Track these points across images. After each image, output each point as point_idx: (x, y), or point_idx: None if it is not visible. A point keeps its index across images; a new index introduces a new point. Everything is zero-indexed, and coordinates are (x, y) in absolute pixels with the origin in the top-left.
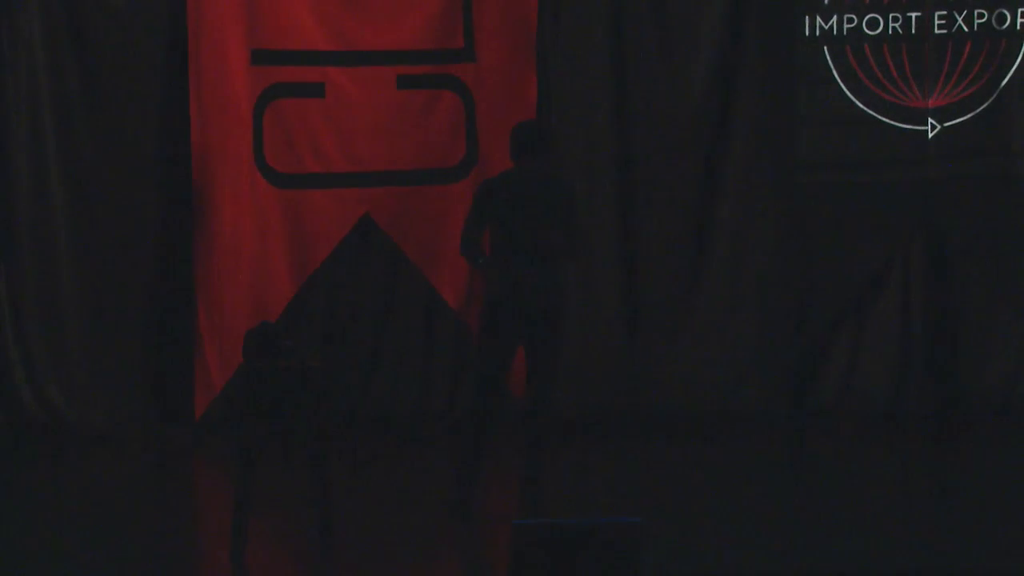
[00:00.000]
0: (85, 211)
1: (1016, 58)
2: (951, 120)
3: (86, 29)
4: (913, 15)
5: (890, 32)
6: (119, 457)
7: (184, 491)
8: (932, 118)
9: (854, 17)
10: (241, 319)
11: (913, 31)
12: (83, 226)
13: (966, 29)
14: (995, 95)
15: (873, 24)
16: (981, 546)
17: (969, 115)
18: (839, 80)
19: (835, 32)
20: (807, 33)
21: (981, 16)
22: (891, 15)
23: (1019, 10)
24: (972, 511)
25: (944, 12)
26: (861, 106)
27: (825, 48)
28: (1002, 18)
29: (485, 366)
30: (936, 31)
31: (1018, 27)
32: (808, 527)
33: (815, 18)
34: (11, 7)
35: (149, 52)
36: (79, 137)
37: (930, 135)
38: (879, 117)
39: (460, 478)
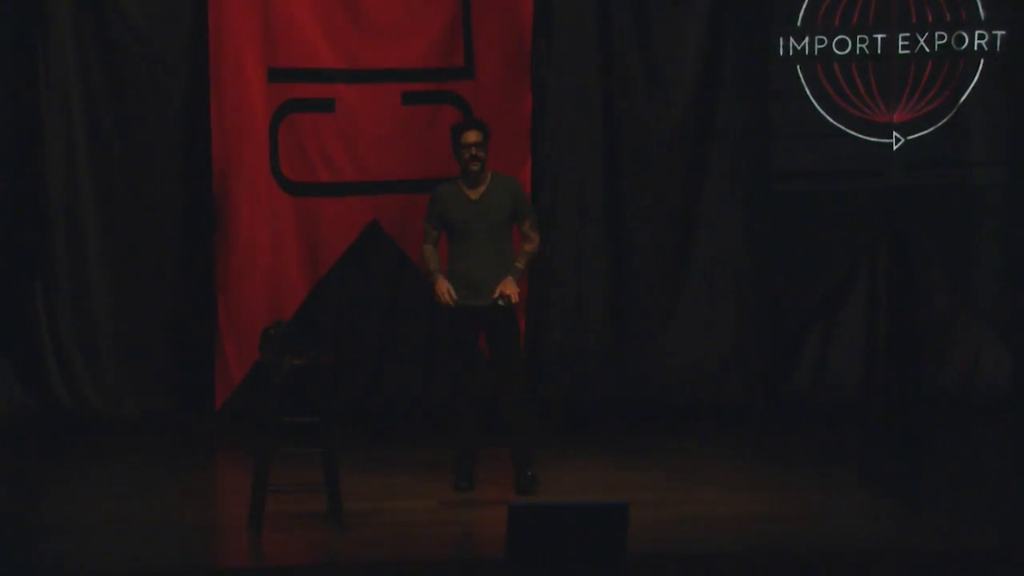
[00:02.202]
0: (114, 217)
1: (973, 76)
2: (914, 133)
3: (115, 50)
4: (879, 37)
5: (858, 52)
6: (144, 444)
7: (204, 476)
8: (896, 131)
9: (824, 38)
10: (258, 318)
11: (879, 51)
12: (112, 231)
13: (927, 50)
14: (954, 110)
15: (842, 45)
16: (943, 522)
17: (930, 129)
18: (811, 96)
19: (807, 52)
20: (781, 53)
21: (941, 38)
22: (859, 37)
23: (976, 32)
24: (933, 491)
25: (907, 34)
26: (831, 120)
27: (798, 67)
28: (960, 39)
29: (453, 363)
30: (900, 51)
31: (975, 48)
32: (782, 508)
33: (789, 39)
34: (47, 30)
35: (173, 70)
36: (109, 149)
37: (894, 147)
38: (847, 131)
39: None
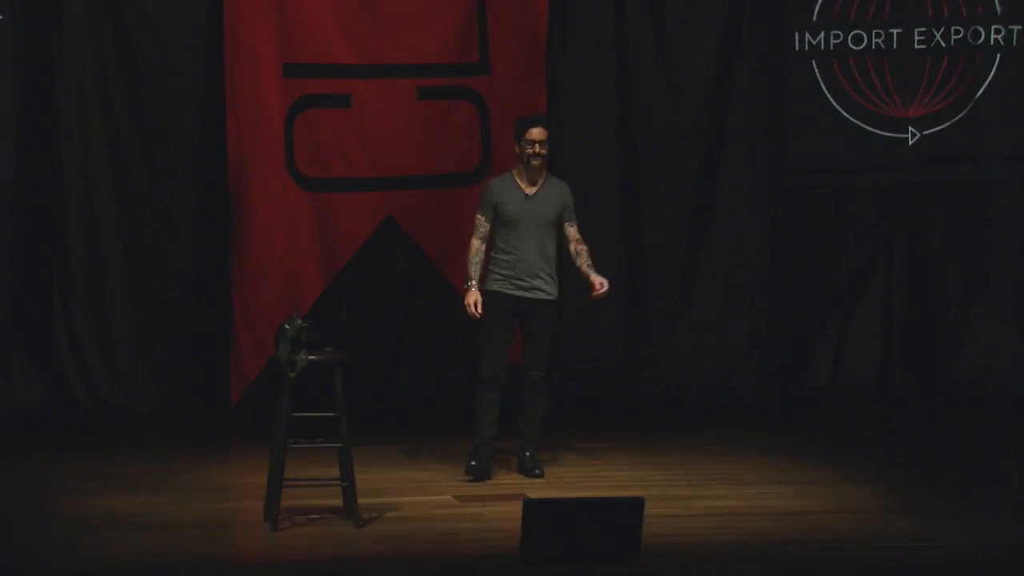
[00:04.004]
0: (130, 214)
1: (989, 71)
2: (930, 128)
3: (132, 47)
4: (895, 31)
5: (873, 47)
6: (160, 439)
7: (220, 471)
8: (912, 127)
9: (840, 33)
10: (273, 313)
11: (895, 46)
12: (128, 228)
13: (943, 44)
14: (970, 105)
15: (858, 40)
16: (958, 517)
17: (946, 124)
18: (826, 91)
19: (823, 47)
20: (797, 48)
21: (957, 32)
22: (874, 31)
23: (992, 27)
24: (949, 487)
25: (923, 29)
26: (846, 115)
27: (814, 62)
28: (976, 34)
29: (483, 345)
30: (916, 46)
31: (991, 43)
32: (797, 503)
33: (804, 34)
34: (63, 27)
35: (189, 66)
36: (125, 145)
37: (910, 142)
38: (863, 126)
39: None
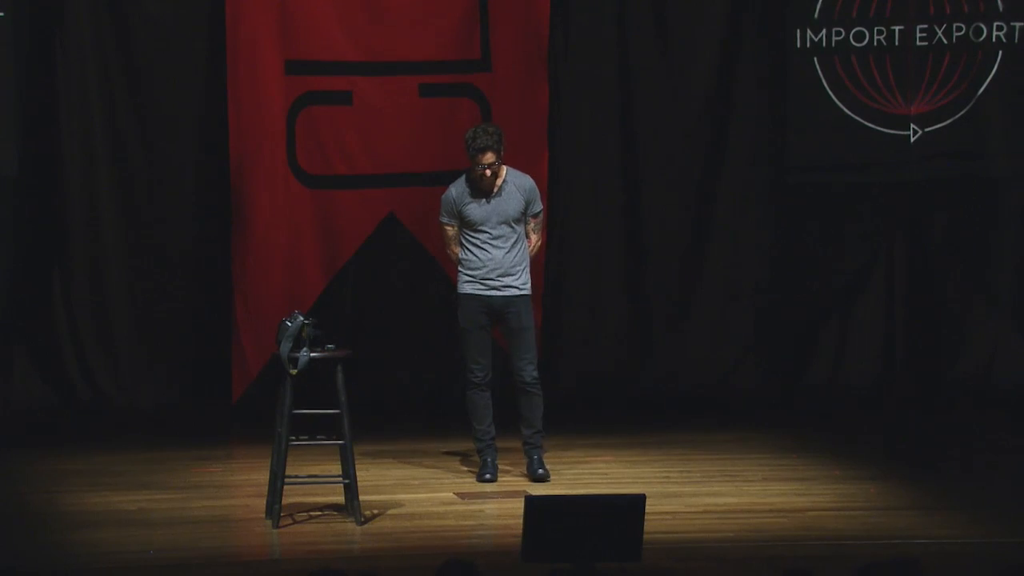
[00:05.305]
0: (131, 211)
1: (991, 68)
2: (931, 125)
3: (133, 44)
4: (896, 28)
5: (875, 44)
6: (161, 436)
7: (222, 468)
8: (914, 124)
9: (842, 30)
10: (275, 310)
11: (896, 43)
12: (130, 224)
13: (945, 41)
14: (972, 102)
15: (859, 37)
16: (958, 514)
17: (948, 121)
18: (828, 88)
19: (824, 44)
20: (798, 45)
21: (959, 29)
22: (876, 28)
23: (994, 24)
24: (949, 484)
25: (925, 25)
26: (848, 112)
27: (815, 59)
28: (978, 31)
29: (465, 351)
30: (918, 43)
31: (993, 40)
32: (798, 500)
33: (806, 31)
34: (64, 23)
35: (190, 63)
36: (127, 142)
37: (912, 139)
38: (864, 123)
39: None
